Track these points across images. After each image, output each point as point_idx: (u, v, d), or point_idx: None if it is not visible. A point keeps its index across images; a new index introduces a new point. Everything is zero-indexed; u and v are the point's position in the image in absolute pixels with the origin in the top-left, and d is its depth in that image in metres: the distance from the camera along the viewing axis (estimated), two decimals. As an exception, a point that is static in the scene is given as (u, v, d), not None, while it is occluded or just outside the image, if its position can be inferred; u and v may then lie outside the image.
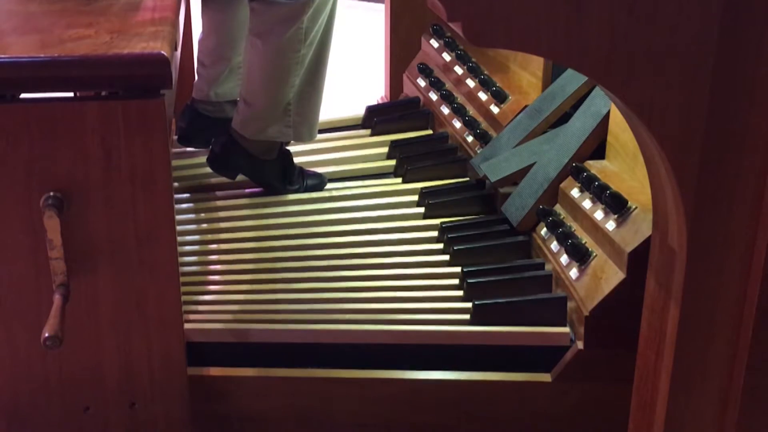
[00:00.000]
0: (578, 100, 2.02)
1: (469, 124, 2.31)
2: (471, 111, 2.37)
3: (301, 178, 2.27)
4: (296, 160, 2.32)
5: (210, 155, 2.22)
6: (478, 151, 2.19)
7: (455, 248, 1.95)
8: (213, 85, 2.38)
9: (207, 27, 2.39)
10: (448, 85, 2.50)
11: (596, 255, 1.70)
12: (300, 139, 2.23)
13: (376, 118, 2.55)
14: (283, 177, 2.23)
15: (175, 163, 2.33)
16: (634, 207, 1.65)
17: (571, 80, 2.04)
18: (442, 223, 2.06)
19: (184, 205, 2.22)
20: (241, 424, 1.72)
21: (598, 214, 1.73)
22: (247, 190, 2.27)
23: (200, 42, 2.42)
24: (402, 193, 2.23)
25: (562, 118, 2.05)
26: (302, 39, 2.08)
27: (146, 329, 1.58)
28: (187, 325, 1.68)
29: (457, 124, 2.37)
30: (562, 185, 1.89)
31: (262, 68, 2.11)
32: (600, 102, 1.89)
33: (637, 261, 1.55)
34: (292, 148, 2.34)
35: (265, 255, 2.01)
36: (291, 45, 2.08)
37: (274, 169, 2.22)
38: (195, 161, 2.37)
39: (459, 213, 2.11)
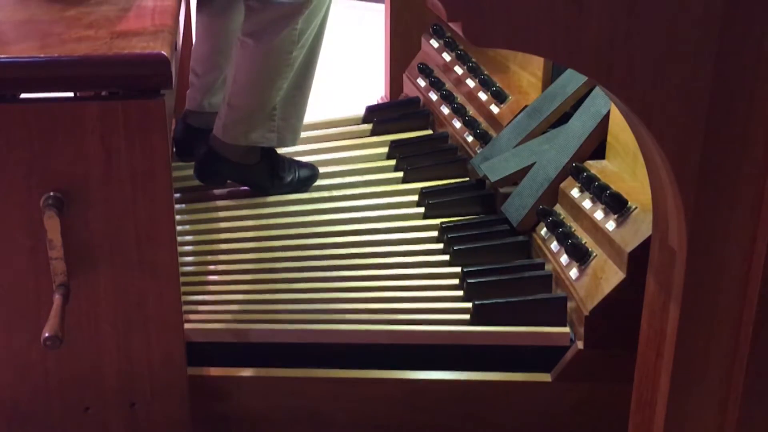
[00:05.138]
0: (578, 100, 2.01)
1: (469, 124, 2.31)
2: (471, 111, 2.37)
3: (292, 169, 2.24)
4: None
5: (194, 168, 2.21)
6: (478, 151, 2.19)
7: (455, 248, 1.95)
8: (207, 95, 2.35)
9: (201, 34, 2.37)
10: (448, 85, 2.50)
11: (596, 255, 1.70)
12: (283, 145, 2.20)
13: (376, 118, 2.55)
14: (271, 175, 2.21)
15: (175, 163, 2.33)
16: (634, 207, 1.65)
17: (571, 80, 2.04)
18: (442, 223, 2.06)
19: (184, 205, 2.22)
20: (241, 424, 1.72)
21: (598, 214, 1.73)
22: (247, 190, 2.27)
23: (194, 50, 2.40)
24: (402, 193, 2.23)
25: (562, 118, 2.05)
26: (295, 41, 2.06)
27: (146, 329, 1.58)
28: (187, 325, 1.68)
29: (457, 124, 2.36)
30: (562, 185, 1.89)
31: (251, 68, 2.08)
32: (600, 102, 1.89)
33: (637, 261, 1.55)
34: (290, 149, 2.33)
35: (265, 255, 2.01)
36: (284, 46, 2.05)
37: (260, 170, 2.20)
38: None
39: (459, 213, 2.11)
